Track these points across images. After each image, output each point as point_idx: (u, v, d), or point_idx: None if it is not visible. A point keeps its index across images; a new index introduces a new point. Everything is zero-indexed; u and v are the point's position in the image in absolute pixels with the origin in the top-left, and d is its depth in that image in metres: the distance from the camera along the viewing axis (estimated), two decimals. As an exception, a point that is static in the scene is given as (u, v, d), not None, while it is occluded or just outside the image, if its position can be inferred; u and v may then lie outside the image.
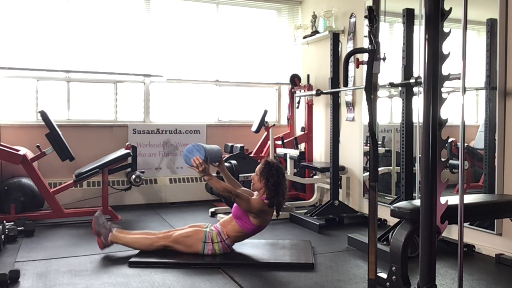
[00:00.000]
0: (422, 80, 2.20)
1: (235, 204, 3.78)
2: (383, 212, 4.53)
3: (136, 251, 3.79)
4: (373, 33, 2.58)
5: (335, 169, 5.08)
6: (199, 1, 6.50)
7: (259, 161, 5.79)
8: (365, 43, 2.64)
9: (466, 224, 3.86)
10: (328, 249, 4.02)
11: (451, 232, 4.06)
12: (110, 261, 3.64)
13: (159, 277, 3.27)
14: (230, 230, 3.72)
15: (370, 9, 2.58)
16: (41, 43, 5.77)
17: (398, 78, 3.97)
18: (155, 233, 3.82)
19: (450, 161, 4.24)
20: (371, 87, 2.61)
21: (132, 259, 3.58)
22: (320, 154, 6.37)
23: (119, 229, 3.87)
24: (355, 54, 2.99)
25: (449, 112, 2.20)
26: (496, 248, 3.79)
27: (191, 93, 6.57)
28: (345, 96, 5.68)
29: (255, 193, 3.79)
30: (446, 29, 2.17)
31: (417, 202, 2.64)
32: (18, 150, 4.84)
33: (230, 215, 3.82)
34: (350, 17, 5.67)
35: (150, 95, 6.28)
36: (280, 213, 3.80)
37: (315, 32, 6.26)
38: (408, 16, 3.93)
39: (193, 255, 3.70)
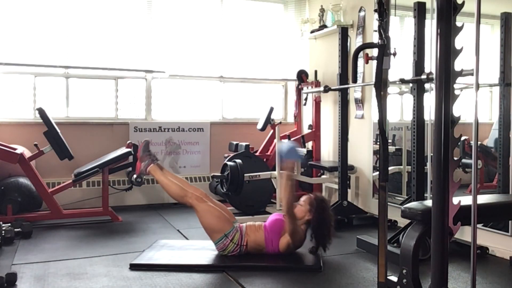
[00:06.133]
0: (434, 76, 2.17)
1: (275, 218, 3.71)
2: (394, 213, 4.43)
3: (139, 253, 3.76)
4: (383, 27, 2.60)
5: (344, 169, 5.04)
6: (203, -5, 6.47)
7: (265, 160, 5.77)
8: (375, 38, 2.66)
9: (479, 226, 3.79)
10: (336, 251, 3.96)
11: (464, 234, 3.99)
12: (110, 264, 3.59)
13: (161, 280, 3.22)
14: (252, 239, 3.64)
15: (380, 2, 2.56)
16: (39, 37, 5.70)
17: (409, 74, 3.90)
18: (191, 188, 3.80)
19: (463, 160, 4.23)
20: (381, 84, 2.60)
21: (133, 262, 3.54)
22: (328, 152, 6.31)
23: (160, 166, 3.95)
24: (364, 49, 2.95)
25: (462, 109, 2.17)
26: (510, 250, 3.73)
27: (194, 90, 6.52)
28: (354, 92, 5.64)
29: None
30: (458, 23, 2.13)
31: (428, 202, 2.59)
32: (15, 149, 4.79)
33: (262, 223, 3.74)
34: (359, 11, 5.62)
35: (152, 92, 6.22)
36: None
37: (323, 26, 6.20)
38: (420, 9, 3.85)
39: (196, 256, 3.67)
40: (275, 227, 3.65)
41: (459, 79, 2.15)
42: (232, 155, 5.59)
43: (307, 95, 6.29)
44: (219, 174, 4.88)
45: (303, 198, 3.76)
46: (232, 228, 3.64)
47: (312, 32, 6.42)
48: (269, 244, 3.62)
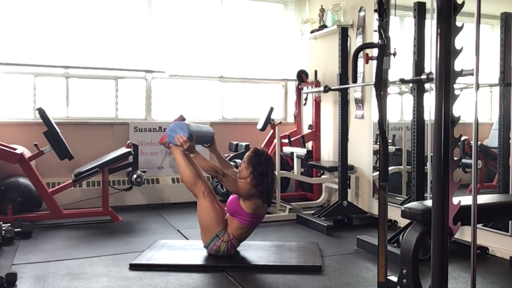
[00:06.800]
0: (434, 76, 2.16)
1: (228, 201, 3.77)
2: (394, 213, 4.42)
3: (139, 253, 3.75)
4: (383, 27, 2.58)
5: (344, 169, 5.03)
6: (203, -5, 6.45)
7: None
8: (375, 38, 2.63)
9: (479, 226, 3.79)
10: (337, 251, 3.97)
11: (464, 234, 3.99)
12: (110, 264, 3.58)
13: (161, 280, 3.21)
14: (233, 229, 3.68)
15: (380, 2, 2.56)
16: (39, 37, 5.69)
17: (409, 74, 3.89)
18: (203, 178, 3.83)
19: (463, 160, 4.21)
20: (381, 84, 2.59)
21: (133, 262, 3.53)
22: (328, 152, 6.29)
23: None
24: (364, 49, 2.93)
25: (462, 109, 2.15)
26: (510, 250, 3.72)
27: (194, 90, 6.49)
28: (354, 92, 5.62)
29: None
30: (458, 23, 2.12)
31: (428, 202, 2.57)
32: (15, 149, 4.78)
33: (228, 214, 3.77)
34: (359, 11, 5.60)
35: (152, 92, 6.20)
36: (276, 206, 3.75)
37: (323, 26, 6.18)
38: (420, 9, 3.85)
39: (196, 256, 3.66)
40: (231, 204, 3.71)
41: (459, 79, 2.13)
42: (232, 155, 5.59)
43: (307, 95, 6.29)
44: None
45: (245, 155, 3.81)
46: (223, 230, 3.66)
47: (312, 32, 6.40)
48: (242, 219, 3.65)
